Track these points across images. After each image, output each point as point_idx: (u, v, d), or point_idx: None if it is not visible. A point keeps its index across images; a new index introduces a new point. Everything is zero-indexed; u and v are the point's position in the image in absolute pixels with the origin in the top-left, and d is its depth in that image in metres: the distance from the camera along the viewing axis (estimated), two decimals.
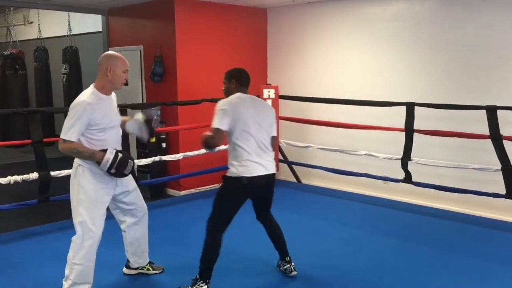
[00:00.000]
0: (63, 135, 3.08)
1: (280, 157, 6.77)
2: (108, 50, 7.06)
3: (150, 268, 3.76)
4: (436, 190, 5.36)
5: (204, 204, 5.82)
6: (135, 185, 3.56)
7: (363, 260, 4.08)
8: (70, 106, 3.13)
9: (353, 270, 3.87)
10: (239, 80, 3.54)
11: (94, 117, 3.10)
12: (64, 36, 7.70)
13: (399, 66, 5.91)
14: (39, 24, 8.11)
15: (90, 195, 3.18)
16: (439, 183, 5.33)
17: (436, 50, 5.59)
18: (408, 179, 5.47)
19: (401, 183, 5.58)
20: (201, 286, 3.36)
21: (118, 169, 3.17)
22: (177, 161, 6.07)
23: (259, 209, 3.67)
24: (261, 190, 3.49)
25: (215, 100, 6.07)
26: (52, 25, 9.03)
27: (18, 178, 4.63)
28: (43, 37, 8.03)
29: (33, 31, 8.69)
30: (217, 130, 3.30)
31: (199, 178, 6.40)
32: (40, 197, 4.79)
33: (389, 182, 5.87)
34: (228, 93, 3.53)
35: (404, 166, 5.45)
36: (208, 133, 3.33)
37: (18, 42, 8.01)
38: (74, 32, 7.72)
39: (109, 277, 3.70)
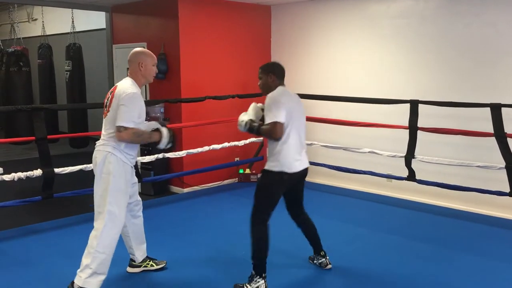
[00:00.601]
0: (124, 123, 3.15)
1: None
2: (111, 48, 7.08)
3: (154, 264, 3.80)
4: (440, 188, 5.35)
5: (207, 202, 5.86)
6: (137, 179, 3.64)
7: (367, 258, 4.07)
8: (121, 96, 3.19)
9: (357, 268, 3.87)
10: (278, 74, 3.52)
11: (142, 107, 3.28)
12: (68, 33, 7.71)
13: (403, 64, 5.89)
14: (43, 21, 8.13)
15: (119, 185, 3.25)
16: (443, 181, 5.31)
17: (441, 47, 5.57)
18: (411, 177, 5.46)
19: (404, 181, 5.57)
20: (258, 281, 3.38)
21: (173, 142, 3.42)
22: (181, 158, 6.07)
23: (292, 204, 3.72)
24: (296, 183, 3.56)
25: (218, 98, 6.15)
26: (56, 22, 9.05)
27: (22, 175, 4.64)
28: (47, 34, 8.04)
29: (37, 28, 8.72)
30: (278, 123, 3.29)
31: (203, 176, 6.40)
32: (44, 194, 4.80)
33: (393, 180, 5.86)
34: (266, 87, 3.51)
35: (408, 164, 5.44)
36: (266, 126, 3.33)
37: (22, 39, 8.02)
38: (77, 29, 7.73)
39: (119, 271, 3.73)
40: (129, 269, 3.78)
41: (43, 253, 4.15)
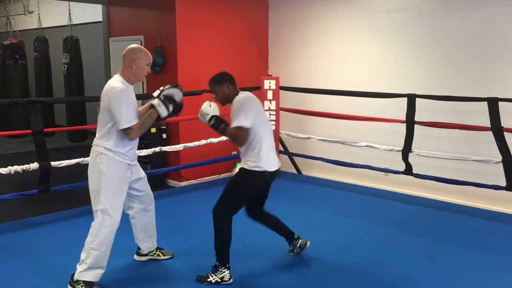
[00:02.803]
0: (127, 124, 3.15)
1: (281, 148, 6.76)
2: (108, 40, 7.05)
3: (160, 254, 3.84)
4: (437, 182, 5.36)
5: (204, 195, 5.86)
6: (144, 173, 3.64)
7: (363, 251, 4.08)
8: (108, 94, 3.16)
9: (353, 261, 3.88)
10: (231, 81, 3.51)
11: (133, 98, 3.25)
12: (65, 26, 7.67)
13: (401, 58, 5.88)
14: (39, 14, 8.08)
15: (111, 183, 3.25)
16: (440, 175, 5.32)
17: (438, 41, 5.56)
18: (408, 170, 5.47)
19: (401, 175, 5.58)
20: (224, 271, 3.43)
21: (173, 102, 3.32)
22: (178, 152, 6.07)
23: (258, 204, 3.72)
24: (269, 184, 3.59)
25: None
26: (53, 14, 9.01)
27: (18, 168, 4.63)
28: (43, 27, 8.00)
29: (33, 20, 8.66)
30: (243, 129, 3.32)
31: (200, 169, 6.40)
32: (41, 188, 4.79)
33: (390, 174, 5.86)
34: (225, 98, 3.49)
35: (405, 157, 5.44)
36: (233, 129, 3.34)
37: (18, 32, 7.97)
38: (74, 22, 7.69)
39: (120, 263, 3.75)
40: (136, 257, 3.84)
41: (40, 246, 4.14)
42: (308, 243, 3.93)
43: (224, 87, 3.47)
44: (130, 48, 3.34)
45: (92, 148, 3.32)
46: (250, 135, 3.38)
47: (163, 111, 3.29)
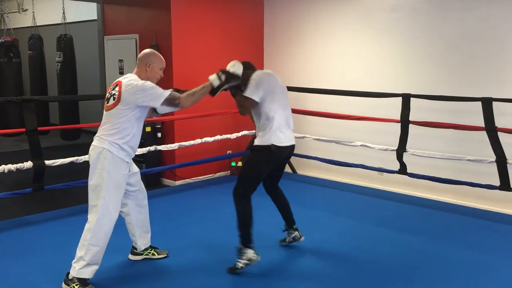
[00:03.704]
0: (165, 94, 3.29)
1: None
2: (103, 39, 7.02)
3: (155, 253, 3.84)
4: (431, 182, 5.38)
5: (199, 194, 5.86)
6: (138, 168, 3.67)
7: (358, 250, 4.09)
8: (133, 87, 3.24)
9: (347, 260, 3.89)
10: (248, 67, 3.72)
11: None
12: (59, 24, 7.63)
13: (396, 57, 5.90)
14: (33, 12, 8.03)
15: (114, 180, 3.28)
16: (434, 174, 5.34)
17: (433, 41, 5.58)
18: (403, 170, 5.49)
19: (396, 174, 5.59)
20: (247, 252, 3.52)
21: (228, 75, 3.49)
22: (173, 151, 6.06)
23: (272, 181, 3.87)
24: (283, 160, 3.74)
25: None
26: (47, 12, 8.97)
27: (12, 167, 4.61)
28: (38, 25, 7.96)
29: (28, 18, 8.61)
30: (250, 100, 3.51)
31: (195, 168, 6.39)
32: (35, 186, 4.77)
33: (384, 173, 5.88)
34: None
35: (399, 157, 5.46)
36: (242, 96, 3.55)
37: (12, 30, 7.93)
38: (69, 20, 7.65)
39: (115, 261, 3.75)
40: (131, 257, 3.83)
41: (34, 245, 4.12)
42: (303, 238, 4.03)
43: (244, 79, 3.65)
44: (146, 52, 3.49)
45: (94, 143, 3.32)
46: (259, 110, 3.57)
47: (214, 80, 3.47)
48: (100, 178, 3.26)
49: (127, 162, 3.39)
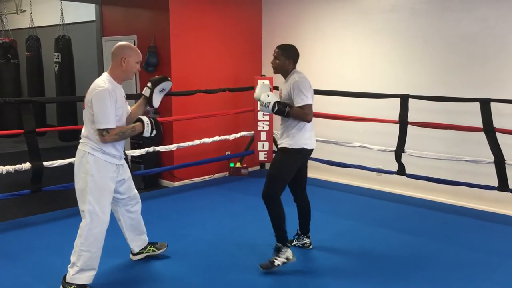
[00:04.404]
0: (104, 125, 3.08)
1: (275, 148, 6.76)
2: (101, 40, 7.02)
3: (155, 249, 3.83)
4: (430, 182, 5.38)
5: (198, 195, 5.85)
6: (130, 174, 3.58)
7: (357, 251, 4.10)
8: (92, 95, 3.10)
9: (346, 260, 3.89)
10: (296, 59, 3.76)
11: (116, 99, 3.16)
12: (57, 25, 7.62)
13: (394, 58, 5.90)
14: (31, 13, 8.03)
15: (98, 183, 3.19)
16: (433, 175, 5.35)
17: (432, 42, 5.58)
18: (401, 171, 5.49)
19: (394, 175, 5.59)
20: (286, 251, 3.62)
21: (158, 129, 3.32)
22: (171, 152, 6.05)
23: (298, 185, 3.92)
24: (305, 162, 3.86)
25: (209, 91, 6.12)
26: (45, 14, 8.96)
27: (10, 168, 4.60)
28: (36, 26, 7.95)
29: (26, 19, 8.61)
30: (310, 106, 3.60)
31: (193, 169, 6.38)
32: (33, 188, 4.76)
33: (383, 174, 5.88)
34: (281, 70, 3.73)
35: (398, 158, 5.46)
36: (298, 108, 3.55)
37: (10, 31, 7.92)
38: (67, 21, 7.64)
39: (114, 263, 3.73)
40: (132, 257, 3.82)
41: (32, 247, 4.11)
42: (312, 247, 4.09)
43: (287, 61, 3.70)
44: (120, 45, 3.27)
45: (78, 147, 3.26)
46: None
47: (147, 131, 3.30)
48: (84, 182, 3.18)
49: (115, 164, 3.29)
